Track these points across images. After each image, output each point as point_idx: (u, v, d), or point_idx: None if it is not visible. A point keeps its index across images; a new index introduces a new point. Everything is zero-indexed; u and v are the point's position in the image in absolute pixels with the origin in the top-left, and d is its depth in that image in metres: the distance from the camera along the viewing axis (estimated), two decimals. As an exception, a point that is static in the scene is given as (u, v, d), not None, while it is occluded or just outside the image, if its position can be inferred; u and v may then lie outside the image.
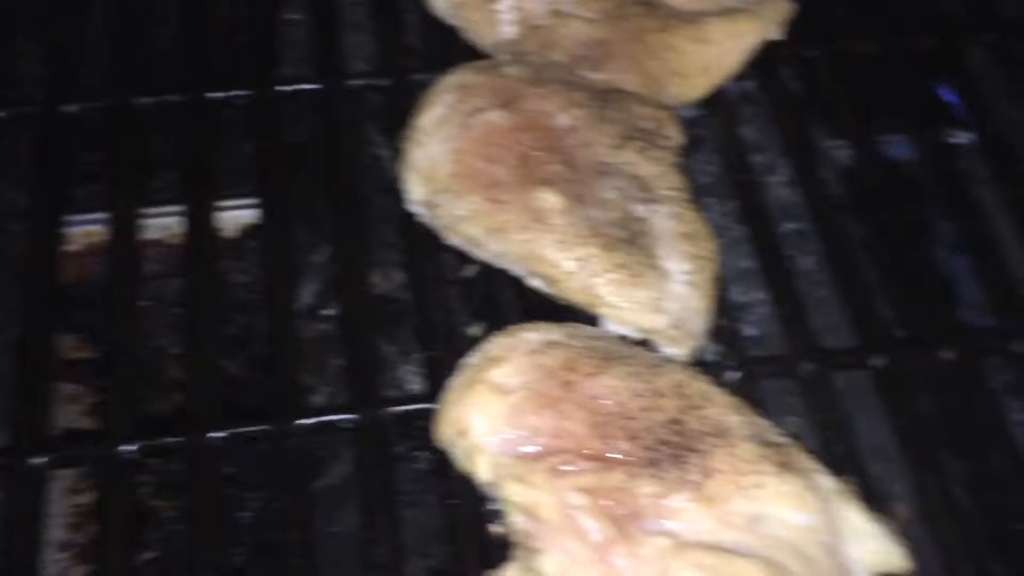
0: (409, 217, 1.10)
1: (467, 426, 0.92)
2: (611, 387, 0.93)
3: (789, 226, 1.20)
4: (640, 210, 1.06)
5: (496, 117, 1.07)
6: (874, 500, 0.96)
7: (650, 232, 1.05)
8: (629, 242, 1.03)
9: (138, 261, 1.12)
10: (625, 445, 0.91)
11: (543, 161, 1.06)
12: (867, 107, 1.26)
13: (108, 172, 1.17)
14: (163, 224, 1.24)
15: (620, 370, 0.94)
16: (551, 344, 0.96)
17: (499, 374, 0.94)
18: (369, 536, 0.93)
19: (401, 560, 0.93)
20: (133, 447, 0.97)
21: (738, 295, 1.15)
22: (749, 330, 1.13)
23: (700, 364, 1.02)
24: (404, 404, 1.01)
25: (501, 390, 0.93)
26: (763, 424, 0.95)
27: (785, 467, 0.91)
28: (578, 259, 1.02)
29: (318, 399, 1.07)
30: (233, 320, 1.16)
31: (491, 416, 0.92)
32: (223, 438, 0.98)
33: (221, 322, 1.09)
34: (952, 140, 1.34)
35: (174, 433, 0.98)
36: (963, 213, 1.20)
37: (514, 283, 1.07)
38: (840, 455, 0.99)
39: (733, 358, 1.05)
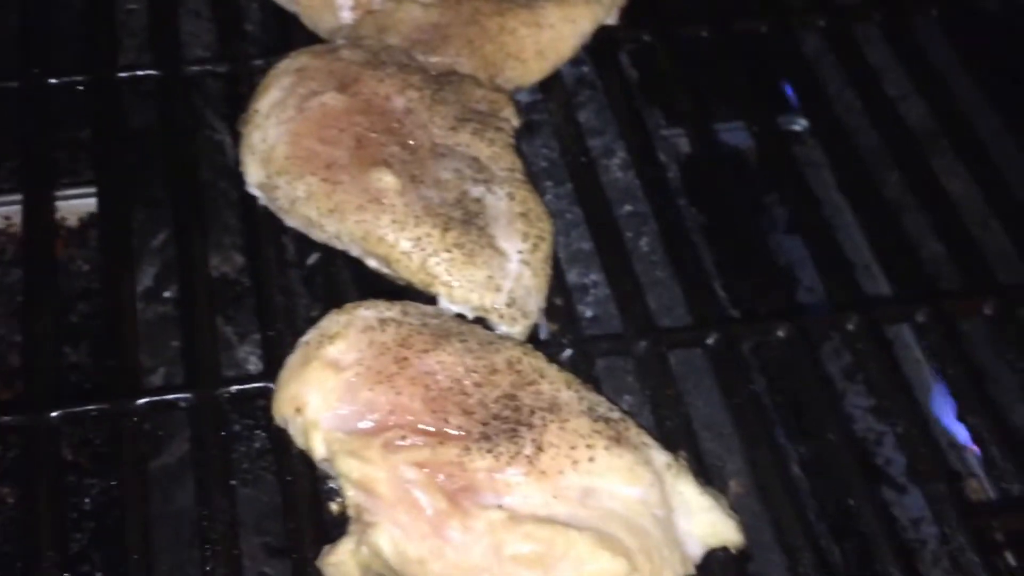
0: (249, 201, 1.09)
1: (303, 403, 0.92)
2: (445, 363, 0.94)
3: (626, 208, 1.22)
4: (477, 191, 1.06)
5: (332, 99, 1.07)
6: (708, 476, 0.98)
7: (486, 212, 1.06)
8: (465, 222, 1.04)
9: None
10: (459, 420, 0.91)
11: (379, 143, 1.06)
12: (704, 93, 1.28)
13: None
14: (3, 213, 1.22)
15: (454, 346, 0.95)
16: (386, 321, 0.96)
17: (333, 351, 0.93)
18: (205, 514, 0.92)
19: (237, 537, 0.92)
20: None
21: (575, 276, 1.17)
22: (585, 310, 1.15)
23: (536, 342, 1.03)
24: (242, 383, 1.00)
25: (336, 366, 0.93)
26: (596, 399, 0.96)
27: (617, 441, 0.92)
28: (414, 239, 1.02)
29: (156, 379, 1.06)
30: (75, 308, 1.14)
31: (326, 392, 0.92)
32: (60, 417, 0.96)
33: (62, 310, 1.06)
34: (788, 127, 1.38)
35: (11, 414, 0.96)
36: (799, 198, 1.21)
37: (353, 264, 1.06)
38: (674, 431, 1.01)
39: (568, 337, 1.06)
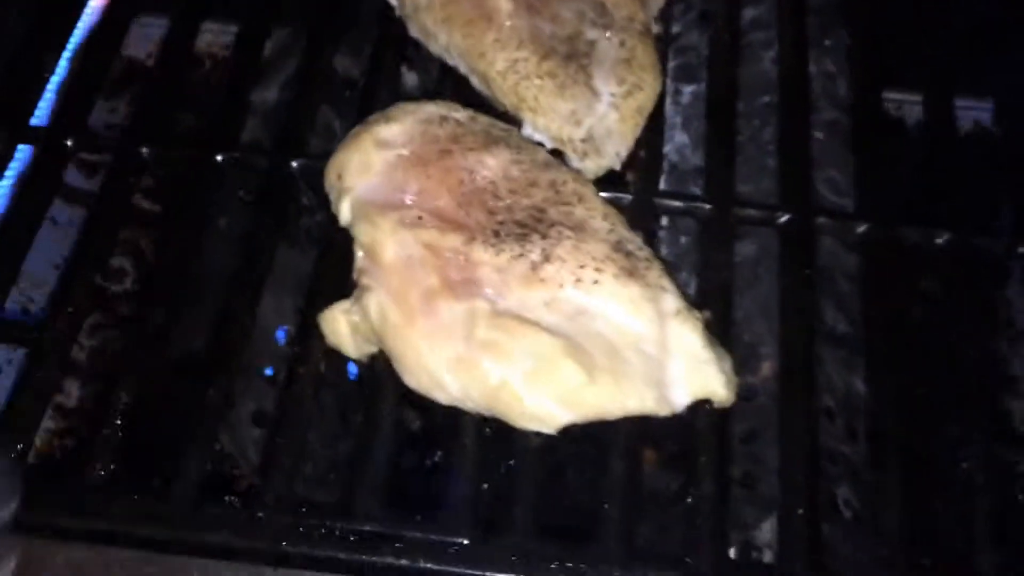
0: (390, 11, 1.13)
1: (344, 170, 0.95)
2: (486, 164, 0.94)
3: (764, 99, 1.17)
4: (593, 33, 1.05)
5: (475, -80, 1.09)
6: (738, 347, 0.93)
7: (594, 53, 1.05)
8: (568, 57, 1.03)
9: None
10: (479, 216, 0.92)
11: (511, -31, 1.07)
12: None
13: None
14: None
15: (502, 154, 0.95)
16: (447, 119, 0.98)
17: (386, 131, 0.96)
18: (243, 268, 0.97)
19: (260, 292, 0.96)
20: None
21: (678, 139, 1.13)
22: (674, 171, 1.11)
23: (607, 182, 1.01)
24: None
25: (383, 144, 0.95)
26: (629, 236, 0.93)
27: (630, 274, 0.89)
28: (510, 60, 1.03)
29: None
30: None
31: (366, 165, 0.95)
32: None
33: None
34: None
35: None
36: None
37: (462, 84, 1.08)
38: (710, 293, 0.96)
39: (638, 185, 1.03)
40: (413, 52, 1.12)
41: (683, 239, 1.10)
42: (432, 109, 0.98)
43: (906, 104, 1.28)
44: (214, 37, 1.43)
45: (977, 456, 0.90)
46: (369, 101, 1.07)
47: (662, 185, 1.12)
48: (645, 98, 1.04)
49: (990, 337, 1.04)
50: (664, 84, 1.14)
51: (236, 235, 1.02)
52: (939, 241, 1.01)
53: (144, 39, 1.39)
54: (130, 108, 1.34)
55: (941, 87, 1.11)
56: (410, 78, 1.18)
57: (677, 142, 1.17)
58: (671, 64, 1.23)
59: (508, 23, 1.04)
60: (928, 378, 0.97)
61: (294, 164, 1.03)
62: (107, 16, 1.20)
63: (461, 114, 0.99)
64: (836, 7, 1.24)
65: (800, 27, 1.15)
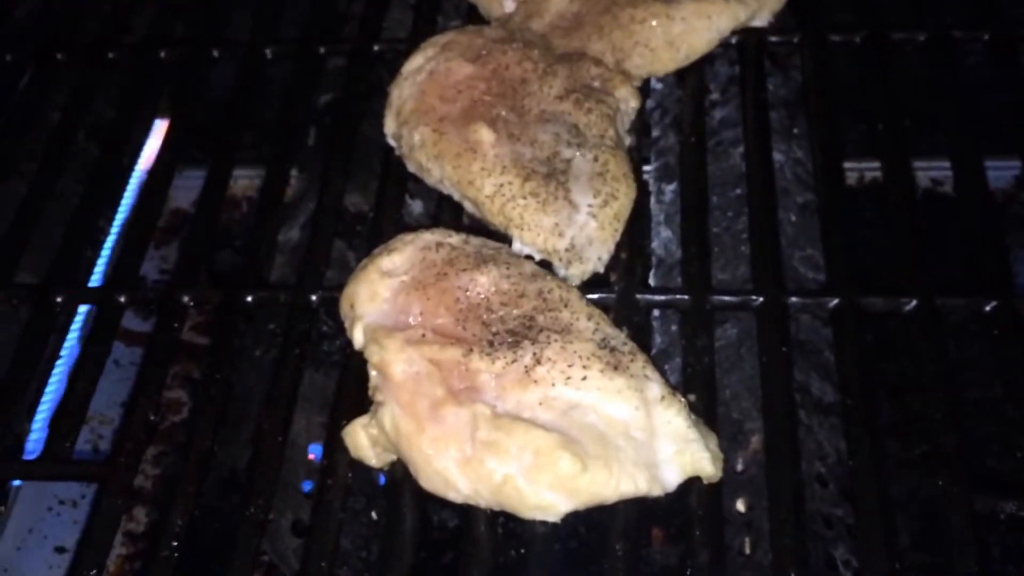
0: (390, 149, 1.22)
1: (355, 300, 1.04)
2: (479, 282, 1.02)
3: (736, 192, 1.23)
4: (568, 153, 1.14)
5: (459, 65, 1.19)
6: (726, 427, 0.99)
7: (571, 170, 1.13)
8: (548, 176, 1.11)
9: None
10: (475, 329, 0.99)
11: (490, 105, 1.16)
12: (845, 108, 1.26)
13: None
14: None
15: (493, 271, 1.03)
16: (443, 244, 1.06)
17: (388, 261, 1.04)
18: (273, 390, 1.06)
19: (292, 409, 1.05)
20: None
21: (660, 241, 1.19)
22: (655, 271, 1.17)
23: (592, 286, 1.09)
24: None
25: (387, 274, 1.04)
26: (614, 333, 1.00)
27: (615, 368, 0.96)
28: (497, 185, 1.11)
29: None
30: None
31: (373, 293, 1.03)
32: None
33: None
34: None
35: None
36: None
37: (457, 209, 1.17)
38: (694, 378, 1.03)
39: (620, 284, 1.10)
40: (414, 185, 1.21)
41: (673, 327, 1.17)
42: (428, 237, 1.07)
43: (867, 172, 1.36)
44: (249, 181, 1.55)
45: (957, 506, 0.94)
46: (377, 233, 1.16)
47: (652, 279, 1.19)
48: (620, 206, 1.11)
49: (959, 397, 1.08)
50: (646, 186, 1.23)
51: (268, 363, 1.10)
52: (907, 308, 1.06)
53: (188, 190, 1.50)
54: (176, 255, 1.44)
55: (900, 153, 1.18)
56: (415, 206, 1.27)
57: (663, 237, 1.24)
58: (653, 165, 1.31)
59: (492, 152, 1.12)
60: (903, 436, 1.02)
61: (313, 297, 1.12)
62: (152, 176, 1.31)
63: (455, 238, 1.07)
64: (796, 99, 1.31)
65: (764, 122, 1.22)
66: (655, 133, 1.32)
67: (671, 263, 1.21)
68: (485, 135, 1.13)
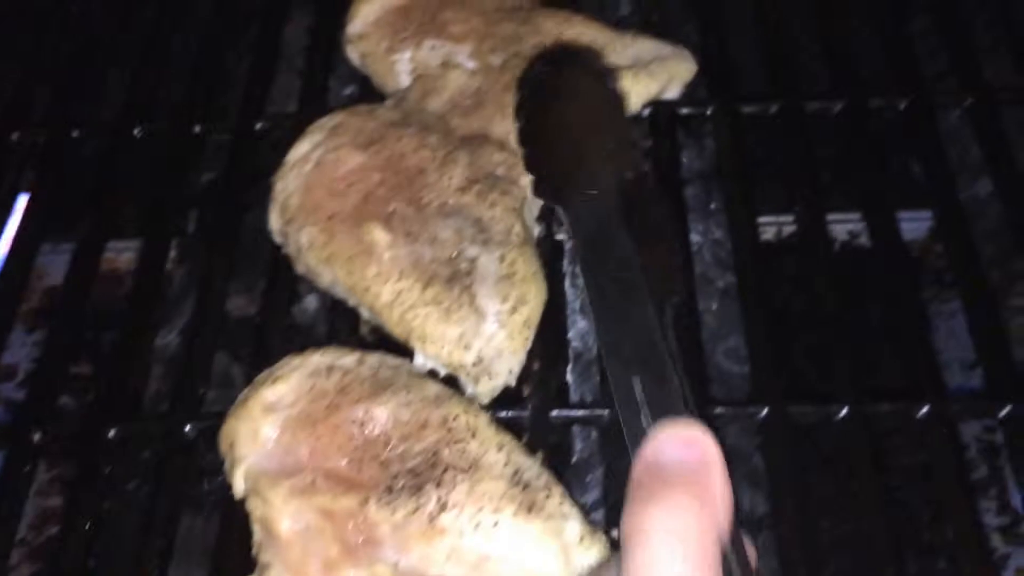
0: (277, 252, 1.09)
1: (234, 439, 0.90)
2: (375, 414, 0.90)
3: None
4: (472, 251, 1.02)
5: (348, 155, 1.06)
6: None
7: (476, 271, 1.01)
8: (450, 280, 0.99)
9: None
10: (372, 471, 0.87)
11: (385, 199, 1.04)
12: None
13: None
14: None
15: (392, 399, 0.91)
16: (334, 368, 0.93)
17: (272, 393, 0.91)
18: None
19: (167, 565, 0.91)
20: None
21: (580, 344, 1.09)
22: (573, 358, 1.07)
23: (507, 404, 0.97)
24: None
25: (271, 408, 0.91)
26: (527, 463, 0.89)
27: (528, 509, 0.85)
28: (394, 292, 0.99)
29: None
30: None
31: (254, 433, 0.90)
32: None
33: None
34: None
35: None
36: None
37: (352, 315, 1.05)
38: (618, 504, 0.91)
39: (533, 401, 0.99)
40: (306, 285, 1.08)
41: (594, 433, 1.06)
42: (318, 360, 0.94)
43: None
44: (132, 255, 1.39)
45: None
46: (263, 345, 1.03)
47: (569, 378, 1.08)
48: (530, 311, 1.00)
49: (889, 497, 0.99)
50: (559, 272, 1.12)
51: (141, 502, 0.97)
52: (838, 417, 0.97)
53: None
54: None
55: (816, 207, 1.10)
56: (309, 302, 1.14)
57: (580, 328, 1.13)
58: (567, 246, 1.19)
59: (388, 255, 1.00)
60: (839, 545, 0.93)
61: (188, 428, 0.98)
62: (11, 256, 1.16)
63: (348, 359, 0.94)
64: (711, 172, 1.22)
65: (679, 202, 1.12)
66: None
67: (589, 358, 1.10)
68: (380, 236, 1.01)
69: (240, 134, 1.21)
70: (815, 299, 1.04)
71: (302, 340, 1.07)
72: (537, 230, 1.08)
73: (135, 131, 1.22)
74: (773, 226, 1.39)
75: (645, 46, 1.17)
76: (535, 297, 1.00)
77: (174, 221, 1.18)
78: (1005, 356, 0.99)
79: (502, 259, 1.01)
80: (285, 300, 1.07)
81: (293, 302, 1.08)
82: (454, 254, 1.01)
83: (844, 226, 1.43)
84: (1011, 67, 1.20)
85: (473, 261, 1.01)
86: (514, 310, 0.99)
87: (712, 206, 1.20)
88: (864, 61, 1.21)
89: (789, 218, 1.16)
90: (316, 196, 1.05)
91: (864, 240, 1.29)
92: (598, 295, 0.79)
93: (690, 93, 1.19)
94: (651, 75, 1.15)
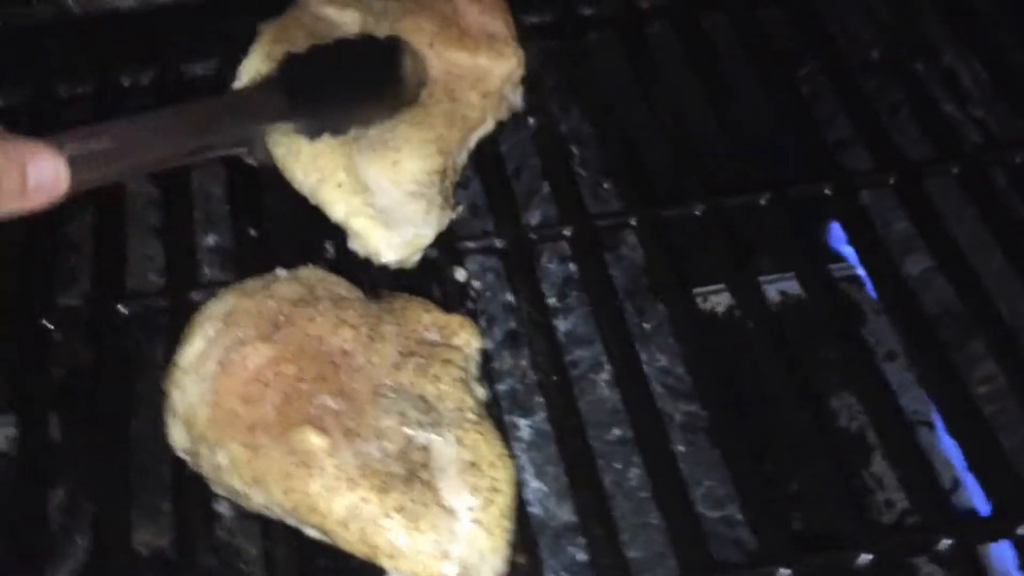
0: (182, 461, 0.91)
1: None
2: None
3: (615, 433, 1.02)
4: (423, 437, 0.87)
5: (255, 350, 0.89)
6: None
7: (432, 463, 0.86)
8: (408, 479, 0.85)
9: None
10: None
11: (309, 395, 0.88)
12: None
13: None
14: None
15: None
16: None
17: None
18: None
19: None
20: None
21: (566, 515, 0.96)
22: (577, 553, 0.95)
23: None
24: None
25: None
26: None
27: None
28: (349, 506, 0.83)
29: None
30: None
31: None
32: None
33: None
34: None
35: None
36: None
37: (294, 535, 0.88)
38: None
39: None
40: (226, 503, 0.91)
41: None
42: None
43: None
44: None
45: None
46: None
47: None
48: (505, 501, 0.86)
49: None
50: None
51: None
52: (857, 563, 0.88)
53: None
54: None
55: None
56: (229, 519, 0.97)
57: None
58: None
59: (330, 463, 0.84)
60: None
61: None
62: None
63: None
64: (638, 288, 1.12)
65: (623, 331, 1.01)
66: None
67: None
68: (315, 441, 0.85)
69: (98, 319, 1.02)
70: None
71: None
72: (482, 394, 0.95)
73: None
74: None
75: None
76: (507, 483, 0.87)
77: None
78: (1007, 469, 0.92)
79: (459, 442, 0.87)
80: (204, 523, 0.89)
81: (213, 529, 0.90)
82: (404, 445, 0.87)
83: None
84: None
85: (425, 449, 0.87)
86: (489, 502, 0.85)
87: (646, 326, 1.09)
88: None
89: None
90: (228, 405, 0.87)
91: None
92: None
93: (601, 205, 1.09)
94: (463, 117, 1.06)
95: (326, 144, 1.01)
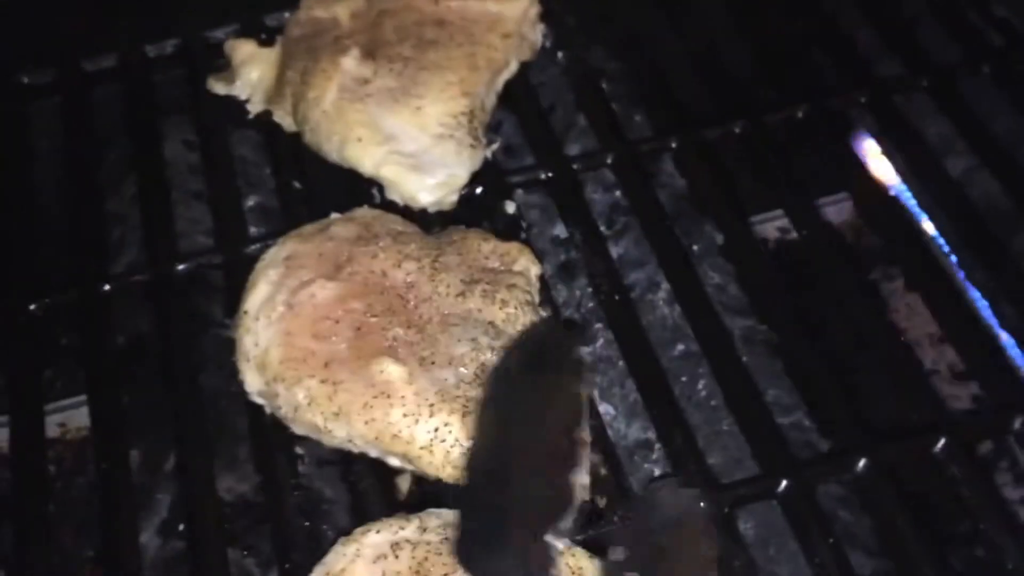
0: (258, 408, 0.92)
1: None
2: (473, 587, 0.75)
3: (678, 348, 1.02)
4: (494, 359, 0.88)
5: (322, 288, 0.90)
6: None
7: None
8: (484, 398, 0.85)
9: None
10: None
11: (381, 327, 0.88)
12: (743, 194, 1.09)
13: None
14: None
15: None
16: (399, 544, 0.77)
17: (340, 580, 0.75)
18: None
19: None
20: None
21: (636, 432, 0.97)
22: (654, 469, 0.95)
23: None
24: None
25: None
26: None
27: None
28: (431, 431, 0.84)
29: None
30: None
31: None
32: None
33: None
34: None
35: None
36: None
37: (377, 467, 0.88)
38: None
39: (619, 512, 0.86)
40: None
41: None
42: (377, 540, 0.78)
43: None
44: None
45: None
46: (281, 527, 0.86)
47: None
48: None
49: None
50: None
51: None
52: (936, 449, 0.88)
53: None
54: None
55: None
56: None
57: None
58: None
59: (410, 391, 0.85)
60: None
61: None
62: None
63: (410, 529, 0.78)
64: (685, 209, 1.12)
65: (678, 252, 1.02)
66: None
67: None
68: (394, 371, 0.86)
69: (156, 282, 1.02)
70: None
71: (323, 519, 0.90)
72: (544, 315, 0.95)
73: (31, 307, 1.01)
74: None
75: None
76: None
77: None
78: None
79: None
80: (286, 469, 0.90)
81: (295, 469, 0.90)
82: (477, 369, 0.87)
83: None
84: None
85: (499, 372, 0.88)
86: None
87: (695, 248, 1.10)
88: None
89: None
90: (300, 344, 0.88)
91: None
92: None
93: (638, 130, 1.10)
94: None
95: (336, 107, 1.02)
